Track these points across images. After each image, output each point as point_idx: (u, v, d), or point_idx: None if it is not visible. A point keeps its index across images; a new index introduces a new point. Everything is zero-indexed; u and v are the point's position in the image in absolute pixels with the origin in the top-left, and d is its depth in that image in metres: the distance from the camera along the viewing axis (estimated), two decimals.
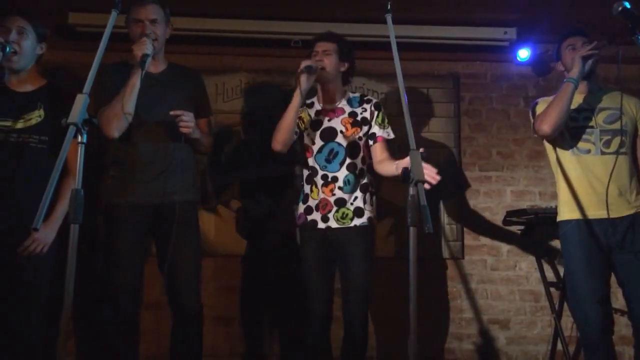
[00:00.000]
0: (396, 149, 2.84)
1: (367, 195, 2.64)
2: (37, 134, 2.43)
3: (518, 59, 3.66)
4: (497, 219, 3.57)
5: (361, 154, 2.66)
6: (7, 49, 2.25)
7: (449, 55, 3.70)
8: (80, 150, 1.61)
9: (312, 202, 2.64)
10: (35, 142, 2.42)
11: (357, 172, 2.63)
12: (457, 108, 3.71)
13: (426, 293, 3.47)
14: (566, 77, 2.57)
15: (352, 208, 2.59)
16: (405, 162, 2.27)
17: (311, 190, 2.65)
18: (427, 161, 2.23)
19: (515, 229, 3.53)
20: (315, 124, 2.68)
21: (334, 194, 2.59)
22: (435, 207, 3.55)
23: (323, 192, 2.61)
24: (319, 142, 2.65)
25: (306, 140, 2.69)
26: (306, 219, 2.65)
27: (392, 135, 2.72)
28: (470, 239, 3.58)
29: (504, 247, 3.57)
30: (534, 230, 3.38)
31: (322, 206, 2.60)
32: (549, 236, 3.47)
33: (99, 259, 3.23)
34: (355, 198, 2.60)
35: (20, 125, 2.42)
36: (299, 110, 2.56)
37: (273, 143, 2.60)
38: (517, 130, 3.71)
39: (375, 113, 2.70)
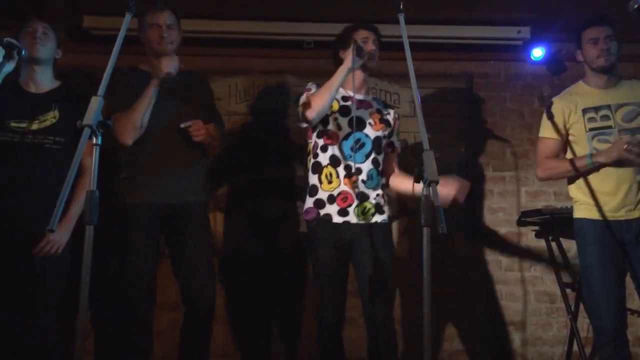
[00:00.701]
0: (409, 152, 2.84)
1: (386, 195, 2.56)
2: (52, 135, 2.46)
3: (532, 58, 3.63)
4: (512, 219, 3.54)
5: (383, 154, 2.57)
6: (23, 52, 2.27)
7: (461, 55, 3.67)
8: (95, 152, 1.62)
9: (323, 194, 2.47)
10: (51, 143, 2.45)
11: (379, 168, 2.53)
12: (471, 108, 3.69)
13: (440, 294, 3.47)
14: (584, 71, 2.62)
15: (374, 203, 2.47)
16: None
17: (320, 181, 2.48)
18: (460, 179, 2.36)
19: (530, 229, 3.50)
20: (344, 110, 2.51)
21: (356, 187, 2.44)
22: (448, 208, 3.52)
23: (345, 184, 2.44)
24: (346, 129, 2.48)
25: (331, 126, 2.50)
26: (318, 213, 2.47)
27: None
28: (484, 239, 3.56)
29: (519, 248, 3.54)
30: (549, 231, 3.34)
31: (342, 198, 2.44)
32: (564, 236, 3.44)
33: (112, 259, 3.28)
34: (377, 195, 2.49)
35: (35, 126, 2.45)
36: (340, 82, 2.38)
37: (307, 111, 2.40)
38: (531, 130, 3.67)
39: (397, 123, 2.67)
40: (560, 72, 3.70)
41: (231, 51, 3.58)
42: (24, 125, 2.44)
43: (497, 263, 3.54)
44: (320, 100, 2.37)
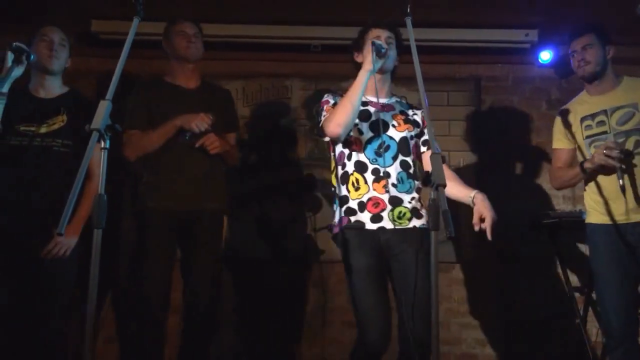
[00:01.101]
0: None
1: (421, 199, 2.33)
2: (61, 138, 2.49)
3: (540, 61, 3.62)
4: (520, 223, 3.51)
5: (412, 156, 2.35)
6: (32, 56, 2.29)
7: (469, 58, 3.67)
8: (103, 156, 1.63)
9: (352, 203, 2.27)
10: (59, 146, 2.48)
11: (410, 171, 2.31)
12: (478, 111, 3.68)
13: (449, 298, 3.47)
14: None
15: (409, 207, 2.26)
16: (481, 208, 2.25)
17: (349, 191, 2.29)
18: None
19: (539, 233, 3.48)
20: (363, 114, 2.34)
21: (387, 191, 2.24)
22: (456, 211, 3.51)
23: (374, 189, 2.25)
24: (368, 134, 2.31)
25: (352, 132, 2.31)
26: (349, 220, 2.27)
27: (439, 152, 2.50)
28: (492, 243, 3.53)
29: (528, 252, 3.52)
30: (558, 234, 3.33)
31: (374, 204, 2.24)
32: (573, 240, 3.42)
33: (121, 262, 3.30)
34: (413, 198, 2.28)
35: (44, 129, 2.48)
36: (364, 88, 2.21)
37: (331, 127, 2.21)
38: (539, 133, 3.66)
39: (427, 123, 2.31)
40: (568, 75, 3.67)
41: (238, 55, 3.60)
42: (32, 128, 2.47)
43: (505, 267, 3.51)
44: (344, 113, 2.19)
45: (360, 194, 2.27)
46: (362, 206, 2.26)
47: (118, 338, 3.30)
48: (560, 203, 3.57)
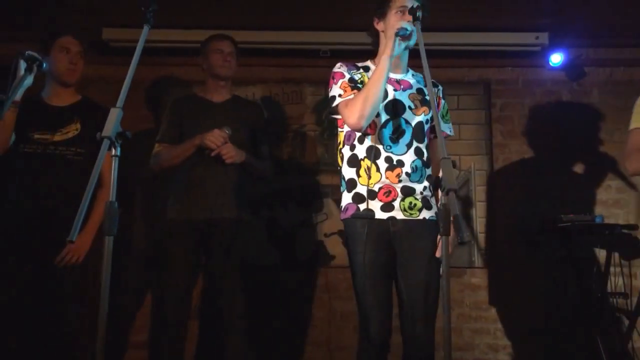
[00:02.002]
0: None
1: (432, 190, 2.22)
2: (74, 147, 2.51)
3: (550, 64, 3.59)
4: (532, 227, 3.49)
5: (426, 141, 2.23)
6: (44, 65, 2.31)
7: (479, 62, 3.65)
8: (114, 163, 1.64)
9: (362, 189, 2.16)
10: (72, 154, 2.50)
11: (423, 158, 2.20)
12: (489, 115, 3.66)
13: (461, 303, 3.44)
14: None
15: (420, 198, 2.17)
16: None
17: (359, 175, 2.18)
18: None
19: (551, 237, 3.46)
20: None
21: (400, 181, 2.14)
22: (468, 216, 3.50)
23: (387, 178, 2.14)
24: (383, 116, 2.17)
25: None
26: (358, 209, 2.16)
27: (452, 132, 2.37)
28: (504, 247, 3.51)
29: (540, 256, 3.49)
30: (570, 239, 3.30)
31: (385, 193, 2.14)
32: (585, 244, 3.39)
33: (131, 269, 3.32)
34: (425, 188, 2.17)
35: (57, 137, 2.50)
36: (387, 78, 2.09)
37: (353, 119, 2.09)
38: (551, 136, 3.63)
39: (443, 102, 2.34)
40: (579, 78, 3.66)
41: (247, 61, 3.59)
42: (47, 136, 2.50)
43: (518, 272, 3.48)
44: (368, 105, 2.05)
45: (372, 182, 2.15)
46: (372, 194, 2.15)
47: (125, 345, 3.31)
48: (572, 207, 3.53)
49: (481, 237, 3.50)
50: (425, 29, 2.04)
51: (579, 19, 3.30)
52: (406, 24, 2.05)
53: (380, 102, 2.10)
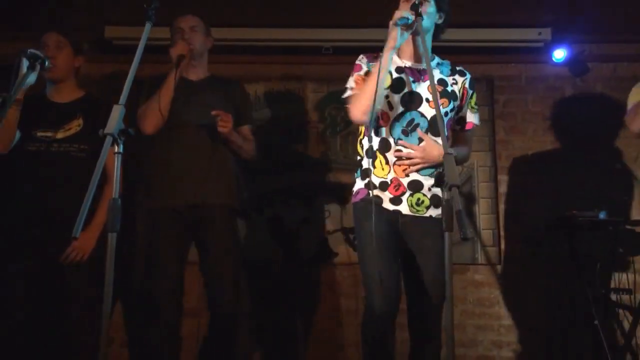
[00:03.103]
0: None
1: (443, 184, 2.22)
2: (77, 143, 2.51)
3: (554, 59, 3.58)
4: (536, 224, 3.48)
5: (446, 133, 2.14)
6: (46, 63, 2.32)
7: (482, 58, 3.64)
8: (117, 160, 1.64)
9: (375, 179, 2.17)
10: (76, 151, 2.50)
11: None
12: (492, 111, 3.65)
13: (464, 299, 3.44)
14: None
15: (429, 195, 2.15)
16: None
17: (374, 165, 2.18)
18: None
19: (555, 234, 3.45)
20: (397, 84, 2.17)
21: (407, 175, 2.14)
22: (471, 212, 3.49)
23: (394, 172, 2.15)
24: (398, 108, 2.15)
25: (382, 106, 2.18)
26: (368, 194, 2.16)
27: (479, 122, 2.35)
28: (508, 244, 3.51)
29: (544, 253, 3.48)
30: (575, 236, 3.29)
31: (395, 187, 2.14)
32: (590, 242, 3.38)
33: (136, 264, 3.32)
34: (434, 184, 2.06)
35: (60, 135, 2.51)
36: (387, 72, 2.10)
37: (356, 114, 2.13)
38: (554, 132, 3.62)
39: (470, 93, 2.29)
40: (583, 74, 3.65)
41: (250, 58, 3.61)
42: (49, 134, 2.50)
43: (521, 268, 3.48)
44: (369, 100, 2.02)
45: (384, 175, 2.17)
46: (384, 186, 2.16)
47: (132, 342, 3.32)
48: (577, 204, 3.52)
49: (484, 234, 3.50)
50: None
51: (582, 15, 3.29)
52: (406, 12, 2.01)
53: (381, 95, 2.08)
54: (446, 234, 1.61)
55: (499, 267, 3.48)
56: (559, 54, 3.55)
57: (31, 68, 2.20)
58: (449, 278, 1.59)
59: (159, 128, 2.55)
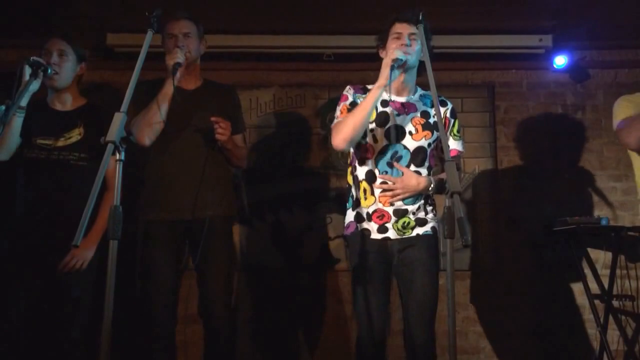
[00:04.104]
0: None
1: (429, 206, 2.33)
2: (77, 152, 2.51)
3: (555, 66, 3.59)
4: (537, 230, 3.48)
5: (427, 163, 2.31)
6: (49, 70, 2.33)
7: (483, 64, 3.65)
8: (119, 168, 1.64)
9: (362, 210, 2.30)
10: (76, 160, 2.50)
11: None
12: (493, 117, 3.66)
13: (466, 305, 3.43)
14: None
15: (413, 218, 2.26)
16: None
17: (364, 197, 2.30)
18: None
19: (556, 239, 3.44)
20: (382, 118, 2.28)
21: (392, 204, 2.25)
22: (472, 218, 3.49)
23: (379, 202, 2.26)
24: (382, 142, 2.27)
25: (368, 138, 2.29)
26: (357, 227, 2.30)
27: (463, 148, 2.44)
28: (509, 250, 3.50)
29: (545, 259, 3.48)
30: (576, 241, 3.29)
31: (379, 216, 2.26)
32: (591, 247, 3.38)
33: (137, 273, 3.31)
34: (418, 208, 2.27)
35: (61, 143, 2.50)
36: (374, 107, 2.21)
37: (336, 141, 2.23)
38: (555, 138, 3.62)
39: (451, 121, 2.38)
40: (583, 80, 3.65)
41: (251, 65, 3.61)
42: (50, 142, 2.49)
43: (523, 274, 3.48)
44: (351, 129, 2.18)
45: (367, 205, 2.29)
46: (369, 216, 2.29)
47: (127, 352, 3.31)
48: (578, 209, 3.52)
49: (485, 240, 3.49)
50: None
51: (583, 21, 3.29)
52: (400, 53, 2.14)
53: (364, 127, 2.22)
54: (448, 241, 1.61)
55: (499, 273, 3.47)
56: (560, 61, 3.56)
57: (34, 75, 2.21)
58: (452, 285, 1.58)
59: (155, 138, 2.48)
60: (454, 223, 1.59)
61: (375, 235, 2.27)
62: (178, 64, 2.37)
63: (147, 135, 2.44)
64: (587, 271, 3.32)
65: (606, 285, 3.24)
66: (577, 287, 3.41)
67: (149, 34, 1.91)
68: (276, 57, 3.57)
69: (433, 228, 2.31)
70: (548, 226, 3.34)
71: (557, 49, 3.51)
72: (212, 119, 2.45)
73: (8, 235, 2.44)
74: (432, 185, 2.24)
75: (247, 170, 3.45)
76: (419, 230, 2.27)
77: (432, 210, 2.34)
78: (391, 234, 2.26)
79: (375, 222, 2.27)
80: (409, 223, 2.26)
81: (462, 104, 3.65)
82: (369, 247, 2.26)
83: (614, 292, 3.22)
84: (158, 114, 2.42)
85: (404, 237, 2.26)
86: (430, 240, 2.28)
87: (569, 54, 3.55)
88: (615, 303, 3.21)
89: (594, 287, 3.29)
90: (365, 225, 2.29)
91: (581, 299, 3.38)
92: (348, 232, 2.36)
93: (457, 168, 2.22)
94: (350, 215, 2.37)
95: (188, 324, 2.97)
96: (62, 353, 2.40)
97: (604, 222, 3.04)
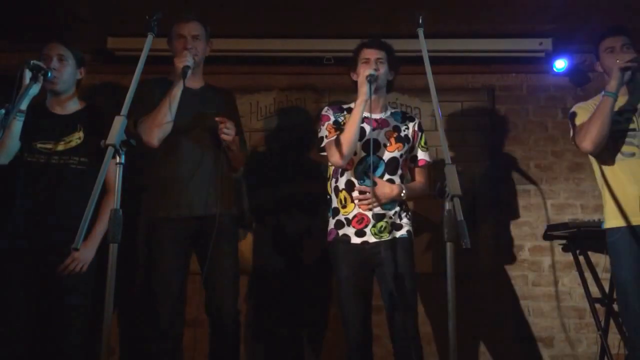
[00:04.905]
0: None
1: (404, 212, 2.55)
2: (77, 156, 2.50)
3: (555, 69, 3.60)
4: (537, 233, 3.48)
5: (400, 172, 2.58)
6: (49, 74, 2.33)
7: (483, 68, 3.66)
8: (119, 171, 1.65)
9: (342, 217, 2.53)
10: (75, 164, 2.50)
11: None
12: (493, 121, 3.66)
13: (466, 310, 3.42)
14: (605, 82, 2.49)
15: (390, 222, 2.49)
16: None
17: (342, 205, 2.53)
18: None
19: (557, 243, 3.44)
20: (360, 133, 2.49)
21: (370, 209, 2.48)
22: (472, 222, 3.49)
23: (359, 207, 2.49)
24: (360, 154, 2.53)
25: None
26: (337, 234, 2.53)
27: (430, 159, 2.69)
28: (509, 254, 3.50)
29: (545, 263, 3.48)
30: (577, 244, 3.29)
31: (358, 221, 2.49)
32: (592, 250, 3.37)
33: (138, 276, 3.31)
34: (395, 213, 2.51)
35: (61, 147, 2.50)
36: (361, 121, 2.44)
37: (335, 159, 2.46)
38: (555, 142, 3.63)
39: (419, 135, 2.66)
40: (583, 84, 3.66)
41: (251, 68, 3.62)
42: (49, 146, 2.49)
43: (523, 278, 3.47)
44: (347, 146, 2.40)
45: (347, 211, 2.52)
46: (348, 222, 2.51)
47: (133, 354, 3.31)
48: (578, 212, 3.52)
49: (486, 244, 3.49)
50: (428, 35, 2.07)
51: (583, 25, 3.30)
52: (372, 71, 2.38)
53: (356, 142, 2.45)
54: (448, 245, 1.62)
55: (501, 278, 3.47)
56: (560, 64, 3.57)
57: (34, 79, 2.21)
58: (452, 289, 1.59)
59: (164, 139, 2.50)
60: (454, 226, 1.59)
61: (355, 240, 2.49)
62: (187, 67, 2.40)
63: (157, 136, 2.47)
64: (588, 274, 3.31)
65: (607, 289, 3.23)
66: (577, 291, 3.41)
67: (150, 37, 1.92)
68: (276, 61, 3.58)
69: (408, 232, 2.54)
70: (548, 229, 3.34)
71: (557, 52, 3.53)
72: (217, 119, 2.49)
73: (8, 239, 2.43)
74: (403, 192, 2.49)
75: (248, 173, 3.45)
76: (396, 234, 2.50)
77: (406, 216, 2.56)
78: (369, 237, 2.48)
79: (354, 227, 2.49)
80: (385, 227, 2.48)
81: (462, 108, 3.65)
82: (350, 253, 2.49)
83: (615, 295, 3.21)
84: (168, 115, 2.44)
85: (381, 240, 2.47)
86: (405, 242, 2.50)
87: (569, 58, 3.55)
88: (615, 307, 3.21)
89: (594, 290, 3.28)
90: (345, 230, 2.51)
91: (582, 302, 3.37)
92: (330, 238, 2.57)
93: (423, 176, 2.67)
94: (331, 223, 2.58)
95: (188, 327, 2.96)
96: (60, 357, 2.40)
97: (603, 226, 3.03)
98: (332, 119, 2.57)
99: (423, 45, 2.01)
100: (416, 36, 2.08)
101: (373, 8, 3.13)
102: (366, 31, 3.17)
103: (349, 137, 2.40)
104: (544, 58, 3.56)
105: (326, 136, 2.53)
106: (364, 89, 2.38)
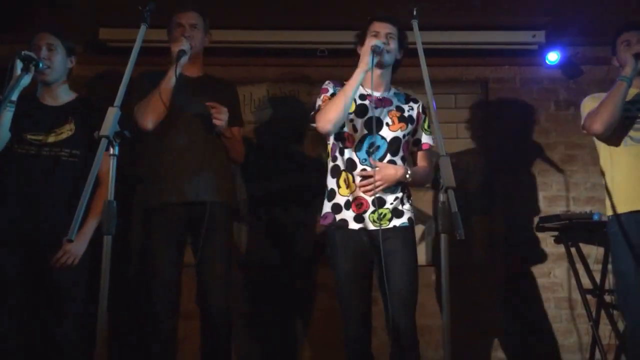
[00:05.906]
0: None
1: (405, 197, 2.40)
2: (69, 148, 2.48)
3: (547, 62, 3.60)
4: (530, 225, 3.50)
5: (401, 153, 2.42)
6: (40, 64, 2.31)
7: (476, 60, 3.66)
8: (112, 163, 1.64)
9: (340, 199, 2.37)
10: (67, 156, 2.47)
11: None
12: (486, 113, 3.66)
13: (459, 301, 3.44)
14: (620, 74, 2.50)
15: (390, 208, 2.34)
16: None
17: (339, 186, 2.38)
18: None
19: (549, 235, 3.46)
20: (361, 110, 2.40)
21: (375, 193, 2.31)
22: (465, 214, 3.49)
23: (360, 191, 2.35)
24: (362, 131, 2.38)
25: (347, 128, 2.39)
26: (334, 218, 2.37)
27: (434, 143, 2.50)
28: (502, 246, 3.52)
29: (538, 254, 3.50)
30: (568, 236, 3.31)
31: (357, 205, 2.34)
32: (583, 242, 3.40)
33: (132, 269, 3.31)
34: (396, 198, 2.35)
35: (51, 139, 2.47)
36: (358, 88, 2.31)
37: (321, 123, 2.32)
38: (548, 134, 3.64)
39: (423, 117, 2.52)
40: (576, 76, 3.67)
41: (245, 60, 3.60)
42: (40, 137, 2.47)
43: (516, 270, 3.49)
44: (335, 111, 2.27)
45: (349, 192, 2.36)
46: (347, 204, 2.36)
47: (128, 345, 3.30)
48: (570, 204, 3.54)
49: (479, 235, 3.50)
50: (422, 27, 2.07)
51: (576, 17, 3.31)
52: (379, 42, 2.27)
53: (348, 109, 2.30)
54: (442, 236, 1.63)
55: (494, 269, 3.49)
56: (553, 57, 3.57)
57: (25, 70, 2.19)
58: (446, 281, 1.59)
59: (158, 123, 2.51)
60: (448, 218, 1.60)
61: (353, 226, 2.34)
62: (183, 52, 2.42)
63: (151, 119, 2.48)
64: (579, 266, 3.34)
65: (598, 280, 3.27)
66: (569, 282, 3.43)
67: (142, 28, 1.90)
68: (270, 53, 3.57)
69: (410, 219, 2.39)
70: (540, 221, 3.36)
71: (550, 45, 3.53)
72: (208, 104, 2.50)
73: None
74: (409, 172, 2.34)
75: (241, 166, 3.44)
76: (396, 222, 2.35)
77: (408, 202, 2.42)
78: (368, 224, 2.33)
79: (353, 210, 2.34)
80: (385, 215, 2.34)
81: (456, 100, 3.66)
82: (349, 242, 2.34)
83: (606, 287, 3.24)
84: (161, 100, 2.45)
85: (380, 228, 2.29)
86: (407, 231, 2.36)
87: (562, 50, 3.56)
88: (607, 298, 3.24)
89: (586, 282, 3.31)
90: (343, 215, 2.36)
91: (573, 293, 3.40)
92: (326, 222, 2.40)
93: (427, 160, 2.52)
94: (327, 206, 2.42)
95: (181, 319, 2.96)
96: (57, 351, 2.39)
97: (595, 217, 3.05)
98: (331, 91, 2.45)
99: (417, 37, 2.02)
100: (411, 28, 2.08)
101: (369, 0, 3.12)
102: (360, 23, 3.16)
103: (338, 102, 2.27)
104: (537, 50, 3.57)
105: (319, 106, 2.43)
106: (366, 59, 2.24)
